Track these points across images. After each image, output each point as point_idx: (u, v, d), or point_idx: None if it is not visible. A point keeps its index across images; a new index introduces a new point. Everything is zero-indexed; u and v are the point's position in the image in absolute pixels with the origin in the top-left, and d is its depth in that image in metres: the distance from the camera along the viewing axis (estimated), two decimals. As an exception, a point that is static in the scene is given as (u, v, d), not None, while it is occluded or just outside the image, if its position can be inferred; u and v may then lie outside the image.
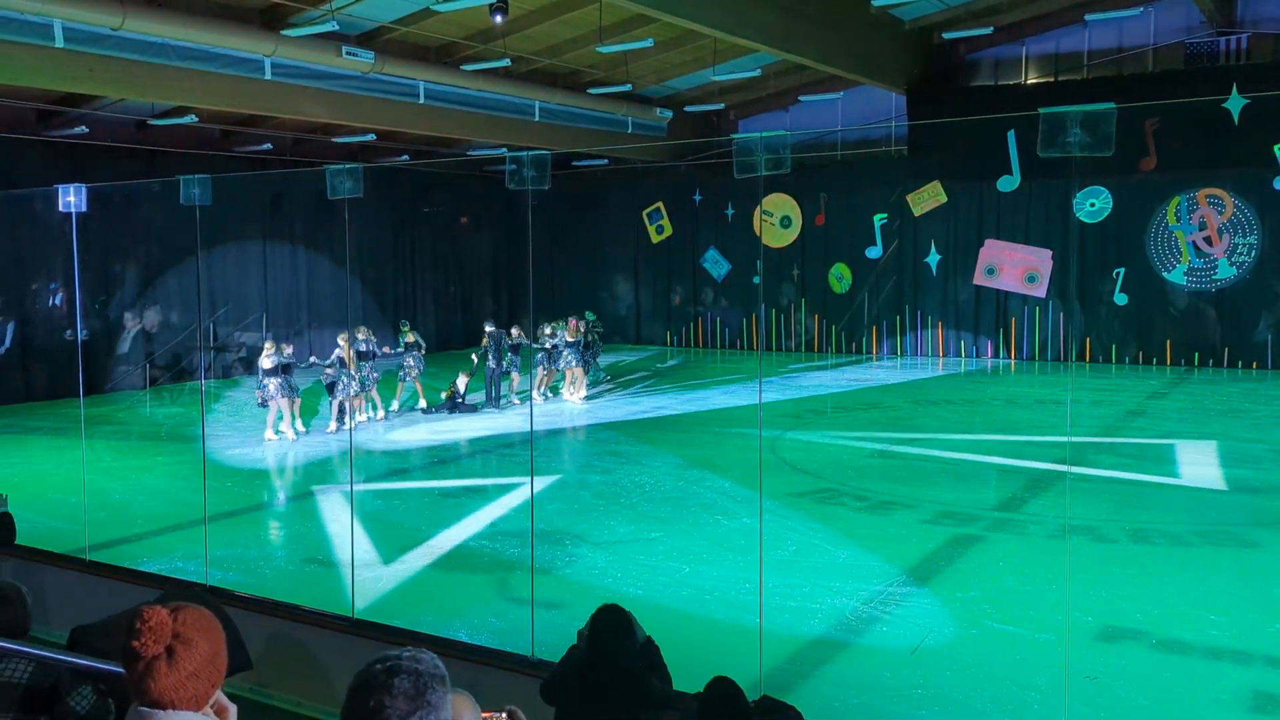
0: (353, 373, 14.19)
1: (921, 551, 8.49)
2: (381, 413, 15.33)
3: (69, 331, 17.85)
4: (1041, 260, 21.09)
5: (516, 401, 16.71)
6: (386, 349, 16.01)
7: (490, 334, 16.48)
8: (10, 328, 17.58)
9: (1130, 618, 6.93)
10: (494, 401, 16.41)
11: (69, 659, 4.06)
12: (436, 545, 8.91)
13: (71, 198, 7.55)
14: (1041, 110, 4.29)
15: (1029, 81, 20.55)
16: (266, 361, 13.63)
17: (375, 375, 15.30)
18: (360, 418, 14.77)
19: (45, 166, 17.17)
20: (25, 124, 17.27)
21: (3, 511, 6.48)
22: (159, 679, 2.05)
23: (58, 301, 18.22)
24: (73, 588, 7.30)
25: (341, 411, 14.31)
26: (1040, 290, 21.15)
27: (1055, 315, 21.07)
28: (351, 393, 14.22)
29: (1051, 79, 20.33)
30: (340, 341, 14.49)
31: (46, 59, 12.82)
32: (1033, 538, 8.96)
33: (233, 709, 2.25)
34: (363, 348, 14.92)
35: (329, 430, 14.18)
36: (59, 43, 12.37)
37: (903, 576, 7.85)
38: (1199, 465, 11.74)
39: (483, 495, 10.88)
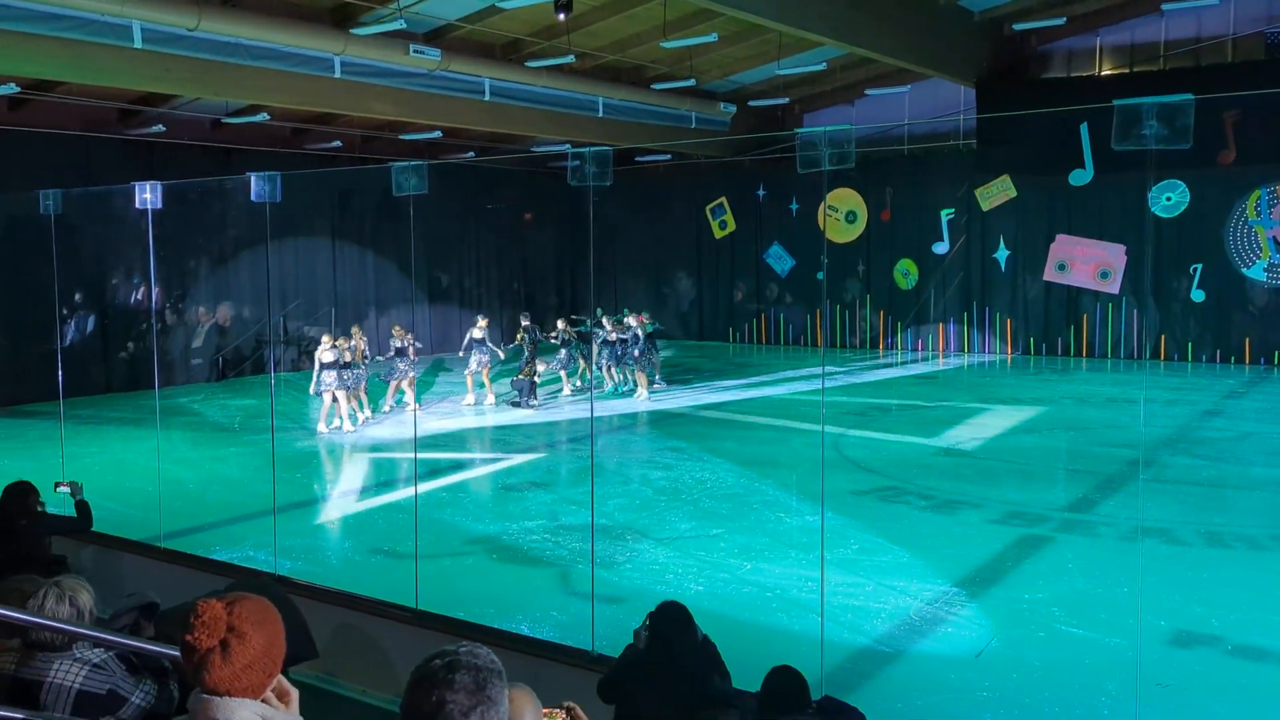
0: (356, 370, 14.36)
1: (988, 552, 8.35)
2: (362, 417, 14.71)
3: (145, 325, 18.36)
4: (1115, 256, 20.60)
5: (569, 393, 16.72)
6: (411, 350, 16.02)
7: (525, 328, 16.40)
8: (90, 321, 18.11)
9: (1204, 623, 6.75)
10: (531, 395, 16.29)
11: (136, 644, 4.16)
12: (497, 535, 9.00)
13: (148, 195, 7.75)
14: (1116, 102, 4.18)
15: (1103, 73, 20.08)
16: (327, 355, 13.83)
17: (413, 373, 15.57)
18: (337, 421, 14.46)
19: (125, 164, 17.66)
20: (107, 123, 17.78)
21: (79, 499, 6.67)
22: (214, 671, 2.10)
23: (139, 296, 18.73)
24: (147, 574, 7.50)
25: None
26: (1113, 286, 20.66)
27: (1129, 312, 20.58)
28: (347, 388, 14.24)
29: (1126, 70, 19.83)
30: (352, 332, 14.68)
31: (126, 59, 13.17)
32: (1103, 539, 8.77)
33: (294, 693, 2.29)
34: (399, 344, 15.10)
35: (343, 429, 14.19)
36: (138, 43, 12.71)
37: (969, 577, 7.74)
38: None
39: (544, 487, 10.96)
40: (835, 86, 21.93)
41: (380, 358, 15.55)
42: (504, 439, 13.97)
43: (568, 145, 19.99)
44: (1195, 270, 19.81)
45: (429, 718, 1.95)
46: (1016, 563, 8.09)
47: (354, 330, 14.92)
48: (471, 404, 16.15)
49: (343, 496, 11.12)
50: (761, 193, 24.64)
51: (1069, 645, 6.41)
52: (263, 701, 2.18)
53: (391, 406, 15.64)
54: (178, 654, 3.92)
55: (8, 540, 6.21)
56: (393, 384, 15.60)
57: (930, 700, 5.72)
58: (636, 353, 16.64)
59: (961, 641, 6.52)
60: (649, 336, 16.90)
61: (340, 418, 14.14)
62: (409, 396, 15.74)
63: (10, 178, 15.74)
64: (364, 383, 14.75)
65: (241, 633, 2.12)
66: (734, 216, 25.39)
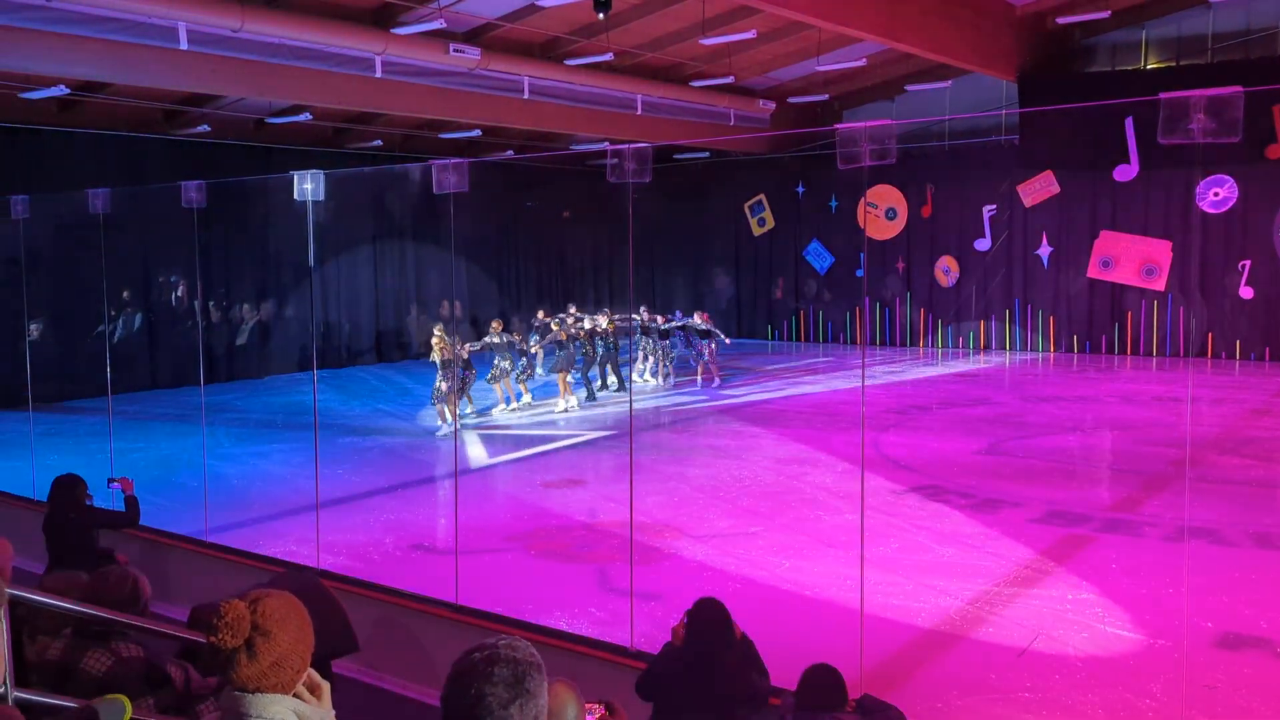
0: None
1: (1030, 551, 8.26)
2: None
3: (189, 323, 18.64)
4: (1160, 252, 20.29)
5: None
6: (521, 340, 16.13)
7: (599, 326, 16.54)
8: (137, 319, 18.42)
9: (1253, 624, 6.64)
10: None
11: (177, 632, 4.24)
12: (535, 531, 9.04)
13: (193, 194, 7.86)
14: (1163, 95, 4.12)
15: (1148, 67, 19.77)
16: (448, 352, 13.97)
17: (530, 365, 15.83)
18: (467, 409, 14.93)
19: (171, 164, 17.94)
20: (154, 123, 18.07)
21: (129, 495, 6.79)
22: (240, 670, 2.12)
23: (180, 294, 19.02)
24: (193, 568, 7.63)
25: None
26: (1159, 283, 20.35)
27: (1175, 309, 20.26)
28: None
29: (1173, 63, 19.51)
30: (436, 331, 14.67)
31: (172, 60, 13.38)
32: (1148, 540, 8.65)
33: (326, 686, 2.30)
34: (496, 340, 15.25)
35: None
36: (183, 45, 12.89)
37: (1010, 576, 7.66)
38: None
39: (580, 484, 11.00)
40: (875, 83, 21.77)
41: (469, 347, 15.35)
42: (544, 436, 14.03)
43: (606, 143, 20.02)
44: (1243, 267, 19.45)
45: (468, 710, 1.96)
46: (1059, 562, 7.99)
47: (436, 329, 14.83)
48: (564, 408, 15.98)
49: (386, 492, 11.21)
50: (801, 189, 24.54)
51: (1113, 646, 6.33)
52: (294, 696, 2.20)
53: (515, 405, 15.75)
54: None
55: (57, 533, 6.34)
56: (496, 386, 15.67)
57: (971, 700, 5.67)
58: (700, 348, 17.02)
59: (1003, 641, 6.46)
60: (703, 334, 17.13)
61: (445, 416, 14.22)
62: (517, 395, 15.87)
63: (60, 178, 16.05)
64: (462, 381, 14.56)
65: (266, 631, 2.13)
66: (773, 213, 25.29)
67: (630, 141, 6.09)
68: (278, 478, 11.44)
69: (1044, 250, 21.53)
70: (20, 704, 3.27)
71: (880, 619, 6.65)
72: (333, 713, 2.28)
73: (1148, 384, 17.93)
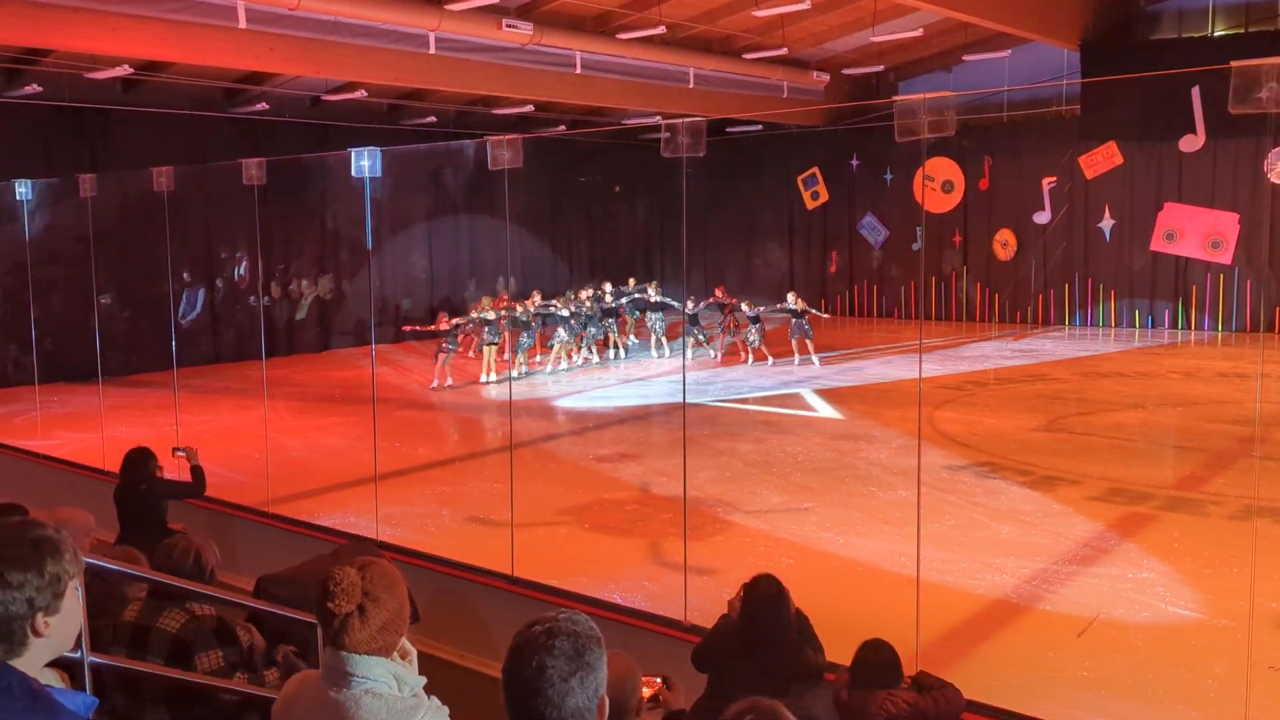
0: None
1: (1089, 529, 8.16)
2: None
3: (252, 298, 18.98)
4: (1227, 224, 19.77)
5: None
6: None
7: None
8: (200, 295, 18.79)
9: (1321, 606, 6.49)
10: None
11: (252, 604, 4.36)
12: (589, 505, 9.11)
13: (254, 171, 7.98)
14: (1234, 63, 4.01)
15: (1215, 34, 19.20)
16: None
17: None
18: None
19: (231, 142, 18.23)
20: (214, 102, 18.36)
21: (195, 465, 6.94)
22: (353, 634, 2.26)
23: (243, 271, 19.36)
24: (257, 538, 7.81)
25: None
26: (1225, 256, 19.85)
27: (1241, 283, 19.75)
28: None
29: (1241, 30, 18.93)
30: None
31: (231, 39, 13.57)
32: (1212, 518, 8.49)
33: (413, 652, 2.45)
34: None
35: None
36: (242, 23, 13.07)
37: (1069, 554, 7.57)
38: None
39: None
40: (931, 53, 21.40)
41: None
42: (595, 410, 14.09)
43: (659, 117, 19.95)
44: (1314, 239, 18.92)
45: (529, 682, 1.99)
46: (1119, 541, 7.88)
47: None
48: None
49: (442, 465, 11.36)
50: (855, 162, 24.25)
51: (1175, 626, 6.24)
52: (392, 660, 2.33)
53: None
54: (289, 614, 4.11)
55: (128, 503, 6.52)
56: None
57: (1028, 679, 5.64)
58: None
59: (1061, 620, 6.39)
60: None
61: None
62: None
63: (124, 156, 16.39)
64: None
65: (376, 596, 2.28)
66: (826, 187, 25.04)
67: (683, 115, 6.06)
68: (337, 450, 11.63)
69: (1106, 223, 21.09)
70: (95, 668, 3.39)
71: (936, 596, 6.61)
72: (423, 679, 2.40)
73: (1212, 360, 17.55)
